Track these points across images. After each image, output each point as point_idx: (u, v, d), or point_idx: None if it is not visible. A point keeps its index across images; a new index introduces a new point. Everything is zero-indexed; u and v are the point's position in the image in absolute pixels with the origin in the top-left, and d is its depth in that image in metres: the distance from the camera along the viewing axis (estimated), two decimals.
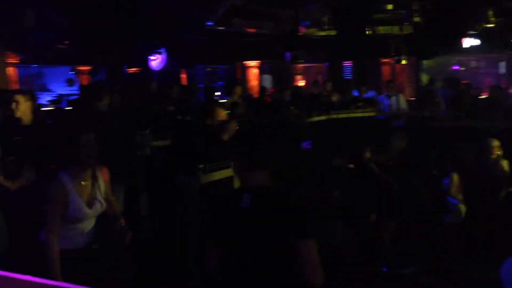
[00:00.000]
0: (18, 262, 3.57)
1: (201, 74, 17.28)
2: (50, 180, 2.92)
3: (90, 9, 8.96)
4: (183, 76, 14.55)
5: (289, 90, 10.60)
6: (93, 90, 5.33)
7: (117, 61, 11.28)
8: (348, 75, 14.64)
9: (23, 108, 4.04)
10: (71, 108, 7.80)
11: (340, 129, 8.53)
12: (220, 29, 11.67)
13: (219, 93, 12.21)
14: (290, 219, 2.07)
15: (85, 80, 13.78)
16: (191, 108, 7.91)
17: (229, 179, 4.34)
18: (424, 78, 14.74)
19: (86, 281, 1.30)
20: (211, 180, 4.16)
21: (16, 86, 10.95)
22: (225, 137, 4.44)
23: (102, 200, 3.09)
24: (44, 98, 13.63)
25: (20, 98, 4.16)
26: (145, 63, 11.20)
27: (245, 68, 15.68)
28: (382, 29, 11.87)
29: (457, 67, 17.50)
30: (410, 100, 11.78)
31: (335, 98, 9.92)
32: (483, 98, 10.19)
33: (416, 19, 11.09)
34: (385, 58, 14.26)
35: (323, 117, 8.64)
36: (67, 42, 11.05)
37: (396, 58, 12.33)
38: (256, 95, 11.33)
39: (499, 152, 5.63)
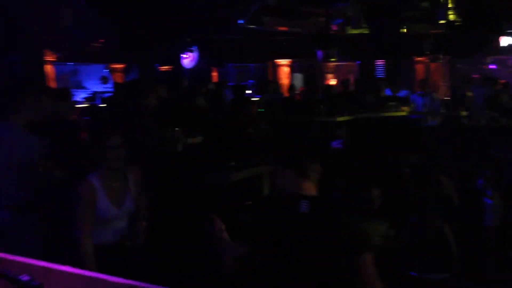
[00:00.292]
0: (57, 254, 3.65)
1: (232, 72, 17.36)
2: (80, 181, 2.98)
3: (125, 8, 9.13)
4: (214, 74, 14.66)
5: (319, 89, 10.54)
6: (139, 87, 5.38)
7: (150, 59, 11.46)
8: (380, 73, 14.45)
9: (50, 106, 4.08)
10: (105, 105, 7.96)
11: (372, 129, 8.42)
12: (252, 28, 11.70)
13: (249, 91, 12.26)
14: (349, 233, 2.10)
15: (118, 78, 14.04)
16: (222, 106, 7.96)
17: (259, 177, 4.35)
18: (459, 77, 14.42)
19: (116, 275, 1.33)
20: (241, 177, 4.17)
21: (53, 84, 11.24)
22: (256, 136, 4.45)
23: (133, 200, 3.11)
24: (79, 96, 13.96)
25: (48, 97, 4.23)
26: (177, 61, 11.33)
27: (276, 67, 15.68)
28: (416, 27, 11.66)
29: (494, 66, 17.04)
30: (445, 99, 11.54)
31: (366, 97, 9.80)
32: None
33: (452, 17, 10.85)
34: (419, 56, 14.01)
35: (354, 116, 8.55)
36: (101, 40, 11.29)
37: (431, 56, 12.09)
38: (286, 94, 11.31)
39: None
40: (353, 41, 12.96)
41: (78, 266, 1.43)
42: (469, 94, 8.74)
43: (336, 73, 17.73)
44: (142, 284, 1.31)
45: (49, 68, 11.13)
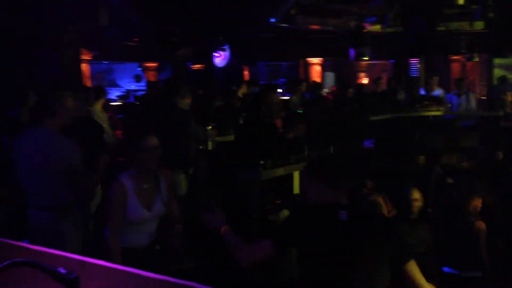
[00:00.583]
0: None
1: (264, 71, 17.36)
2: (112, 181, 2.94)
3: (158, 7, 9.25)
4: (245, 73, 14.69)
5: (352, 88, 10.43)
6: (175, 87, 5.42)
7: (182, 58, 11.58)
8: (414, 72, 14.20)
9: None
10: (139, 103, 8.08)
11: (405, 129, 8.29)
12: (284, 26, 11.67)
13: (280, 90, 12.24)
14: (390, 243, 2.17)
15: (151, 76, 14.25)
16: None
17: (290, 176, 4.34)
18: (496, 76, 14.03)
19: None
20: (272, 176, 4.16)
21: (88, 82, 11.50)
22: (290, 135, 4.43)
23: (163, 203, 3.05)
24: (113, 93, 14.24)
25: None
26: (209, 60, 11.41)
27: (308, 65, 15.60)
28: (453, 25, 11.40)
29: None
30: (481, 99, 11.26)
31: (400, 96, 9.66)
32: None
33: (489, 14, 10.56)
34: (455, 55, 13.70)
35: (387, 116, 8.42)
36: (136, 39, 11.47)
37: (467, 55, 11.81)
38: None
39: None
40: (387, 39, 12.77)
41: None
42: (506, 94, 8.49)
43: (369, 72, 17.51)
44: (174, 280, 1.33)
45: (84, 67, 11.38)
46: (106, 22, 8.02)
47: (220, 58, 11.37)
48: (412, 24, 11.01)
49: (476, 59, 11.87)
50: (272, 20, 11.31)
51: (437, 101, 9.41)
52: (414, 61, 14.06)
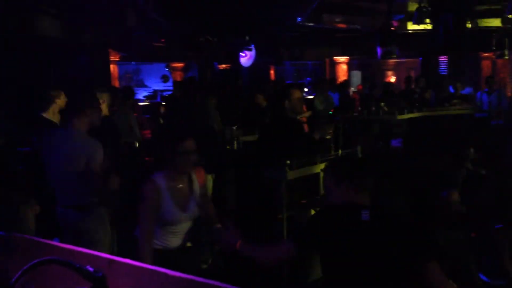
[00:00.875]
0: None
1: (290, 70, 17.33)
2: (145, 180, 2.88)
3: (185, 7, 9.33)
4: (271, 72, 14.69)
5: (378, 86, 10.32)
6: (202, 88, 5.46)
7: (209, 58, 11.65)
8: (443, 70, 13.95)
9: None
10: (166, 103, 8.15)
11: (434, 127, 8.15)
12: (310, 25, 11.62)
13: (306, 90, 12.20)
14: (412, 242, 2.16)
15: (178, 77, 14.39)
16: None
17: (316, 176, 4.31)
18: None
19: None
20: (298, 176, 4.15)
21: (116, 83, 11.69)
22: (317, 136, 4.41)
23: (198, 204, 2.98)
24: (141, 94, 14.44)
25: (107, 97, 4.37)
26: (235, 59, 11.45)
27: (334, 64, 15.50)
28: (483, 22, 11.16)
29: None
30: None
31: (428, 94, 9.50)
32: None
33: None
34: (486, 52, 13.40)
35: (415, 114, 8.29)
36: (163, 40, 11.60)
37: (498, 52, 11.53)
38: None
39: None
40: (415, 37, 12.58)
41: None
42: None
43: (396, 70, 17.29)
44: (198, 279, 1.34)
45: (112, 68, 11.57)
46: (133, 23, 8.13)
47: (246, 58, 11.39)
48: (441, 21, 10.82)
49: (507, 57, 11.58)
50: (299, 19, 11.29)
51: (467, 99, 9.22)
52: (443, 58, 13.83)
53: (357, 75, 16.53)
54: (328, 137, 4.70)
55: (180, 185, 2.92)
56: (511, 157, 5.40)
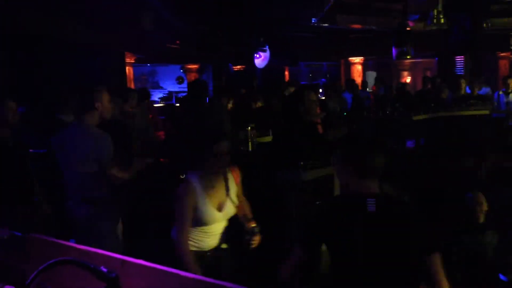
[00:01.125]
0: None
1: (305, 71, 17.30)
2: (180, 181, 2.89)
3: (199, 9, 9.37)
4: (286, 73, 14.69)
5: (393, 87, 10.25)
6: (207, 89, 5.46)
7: (223, 59, 11.68)
8: (460, 70, 13.80)
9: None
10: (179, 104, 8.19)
11: (450, 128, 8.06)
12: (325, 26, 11.58)
13: (321, 91, 12.15)
14: (418, 233, 2.09)
15: (193, 78, 14.45)
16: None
17: (330, 177, 4.30)
18: None
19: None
20: (312, 177, 4.13)
21: (131, 84, 11.80)
22: (330, 137, 4.39)
23: (233, 203, 2.97)
24: (156, 95, 14.54)
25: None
26: (250, 60, 11.47)
27: (349, 65, 15.43)
28: (500, 21, 11.00)
29: None
30: None
31: (444, 95, 9.39)
32: None
33: None
34: (503, 52, 13.22)
35: (431, 115, 8.21)
36: (178, 41, 11.67)
37: None
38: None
39: None
40: (431, 37, 12.47)
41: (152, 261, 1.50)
42: None
43: (412, 70, 17.15)
44: (212, 281, 1.35)
45: (128, 69, 11.69)
46: (149, 26, 8.19)
47: (260, 59, 11.41)
48: (458, 20, 10.70)
49: None
50: (314, 20, 11.26)
51: (484, 99, 9.11)
52: (459, 58, 13.68)
53: (372, 76, 16.44)
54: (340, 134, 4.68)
55: (216, 185, 2.91)
56: None
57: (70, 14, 7.68)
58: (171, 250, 2.90)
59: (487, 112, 8.69)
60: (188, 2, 9.34)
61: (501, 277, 4.62)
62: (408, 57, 11.62)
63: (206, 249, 2.93)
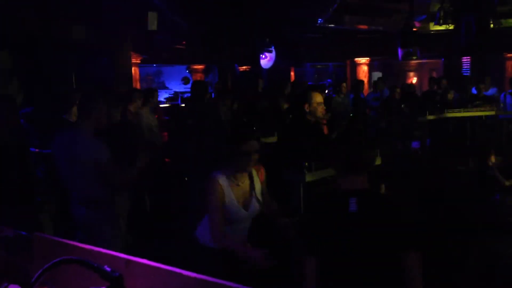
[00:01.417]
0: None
1: (311, 71, 17.28)
2: (207, 178, 2.85)
3: (205, 10, 9.39)
4: (291, 73, 14.68)
5: (398, 88, 10.20)
6: (208, 90, 5.49)
7: (229, 60, 11.68)
8: (466, 71, 13.74)
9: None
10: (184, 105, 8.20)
11: (455, 129, 8.03)
12: (331, 27, 11.56)
13: (327, 91, 12.13)
14: (396, 230, 2.04)
15: (199, 78, 14.47)
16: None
17: (334, 178, 4.28)
18: None
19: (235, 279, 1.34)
20: (316, 178, 4.13)
21: (137, 85, 11.82)
22: (334, 136, 4.38)
23: (259, 201, 2.96)
24: (162, 96, 14.56)
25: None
26: (255, 61, 11.47)
27: (355, 66, 15.41)
28: (506, 22, 10.95)
29: None
30: None
31: (450, 96, 9.36)
32: None
33: None
34: (510, 53, 13.15)
35: (437, 116, 8.18)
36: (183, 42, 11.69)
37: None
38: (365, 93, 11.05)
39: None
40: (437, 38, 12.43)
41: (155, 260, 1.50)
42: None
43: (418, 71, 17.09)
44: (216, 280, 1.34)
45: (134, 70, 11.71)
46: (155, 26, 8.21)
47: (266, 60, 11.41)
48: (464, 21, 10.66)
49: None
50: (320, 20, 11.24)
51: (490, 100, 9.06)
52: (466, 59, 13.61)
53: (378, 77, 16.40)
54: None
55: (242, 183, 2.90)
56: None
57: (75, 14, 7.71)
58: (174, 250, 2.89)
59: (493, 113, 8.66)
60: (194, 2, 9.35)
61: None
62: (413, 58, 11.59)
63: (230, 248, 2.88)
